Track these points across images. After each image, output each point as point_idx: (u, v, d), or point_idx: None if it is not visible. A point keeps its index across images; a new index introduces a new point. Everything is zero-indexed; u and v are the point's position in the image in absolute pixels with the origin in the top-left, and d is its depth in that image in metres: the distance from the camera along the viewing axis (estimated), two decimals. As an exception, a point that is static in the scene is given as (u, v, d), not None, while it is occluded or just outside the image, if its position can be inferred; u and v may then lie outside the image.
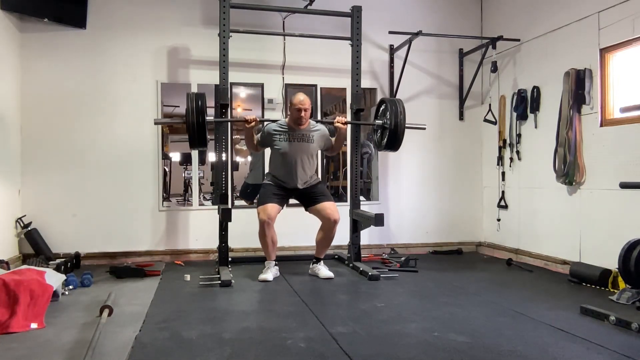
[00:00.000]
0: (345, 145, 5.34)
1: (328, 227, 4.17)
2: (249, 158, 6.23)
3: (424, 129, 4.45)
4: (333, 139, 4.31)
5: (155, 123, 4.39)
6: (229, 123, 4.80)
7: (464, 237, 5.75)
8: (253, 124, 4.06)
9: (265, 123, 4.40)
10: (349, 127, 4.54)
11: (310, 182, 4.23)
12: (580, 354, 2.47)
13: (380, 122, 4.34)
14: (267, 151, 4.50)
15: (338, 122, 4.17)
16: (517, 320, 3.01)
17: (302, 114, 4.06)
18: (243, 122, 4.10)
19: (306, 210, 4.29)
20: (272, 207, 4.04)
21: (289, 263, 4.67)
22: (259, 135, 4.24)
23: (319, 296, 3.67)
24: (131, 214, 4.98)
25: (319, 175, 4.80)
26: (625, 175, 3.80)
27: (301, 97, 4.09)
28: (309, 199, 4.23)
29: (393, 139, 4.20)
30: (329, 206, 4.17)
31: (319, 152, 4.52)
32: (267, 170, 4.51)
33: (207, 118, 3.85)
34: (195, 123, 3.78)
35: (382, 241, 5.53)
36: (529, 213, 4.97)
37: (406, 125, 4.18)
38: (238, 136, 5.89)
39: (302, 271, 4.38)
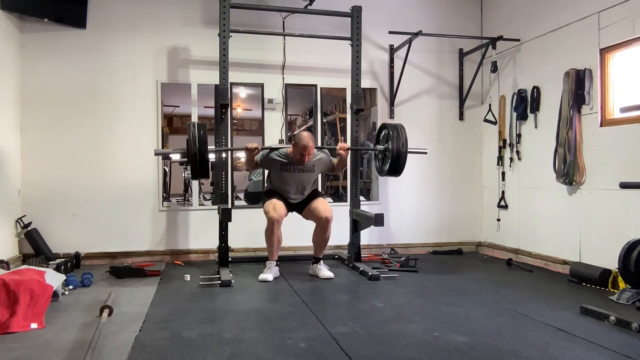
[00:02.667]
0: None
1: (322, 226, 4.19)
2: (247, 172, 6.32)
3: (425, 153, 4.46)
4: (335, 160, 4.34)
5: (156, 154, 4.32)
6: (229, 124, 4.79)
7: (464, 237, 5.75)
8: (255, 152, 4.12)
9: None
10: (349, 125, 4.51)
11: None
12: (580, 354, 2.47)
13: (382, 147, 4.36)
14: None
15: (340, 148, 4.23)
16: (517, 320, 3.01)
17: (306, 158, 4.10)
18: (244, 147, 4.11)
19: (302, 214, 4.33)
20: (280, 205, 4.09)
21: (289, 263, 4.68)
22: (260, 155, 4.23)
23: (319, 296, 3.67)
24: (131, 214, 4.98)
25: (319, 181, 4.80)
26: (625, 175, 3.80)
27: (305, 141, 4.04)
28: (303, 204, 4.29)
29: (395, 166, 4.21)
30: (320, 205, 4.20)
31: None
32: (266, 184, 4.52)
33: (209, 147, 3.81)
34: (197, 153, 3.72)
35: (382, 241, 5.53)
36: (529, 213, 4.97)
37: (408, 151, 4.18)
38: (238, 155, 5.81)
39: (302, 271, 4.38)
